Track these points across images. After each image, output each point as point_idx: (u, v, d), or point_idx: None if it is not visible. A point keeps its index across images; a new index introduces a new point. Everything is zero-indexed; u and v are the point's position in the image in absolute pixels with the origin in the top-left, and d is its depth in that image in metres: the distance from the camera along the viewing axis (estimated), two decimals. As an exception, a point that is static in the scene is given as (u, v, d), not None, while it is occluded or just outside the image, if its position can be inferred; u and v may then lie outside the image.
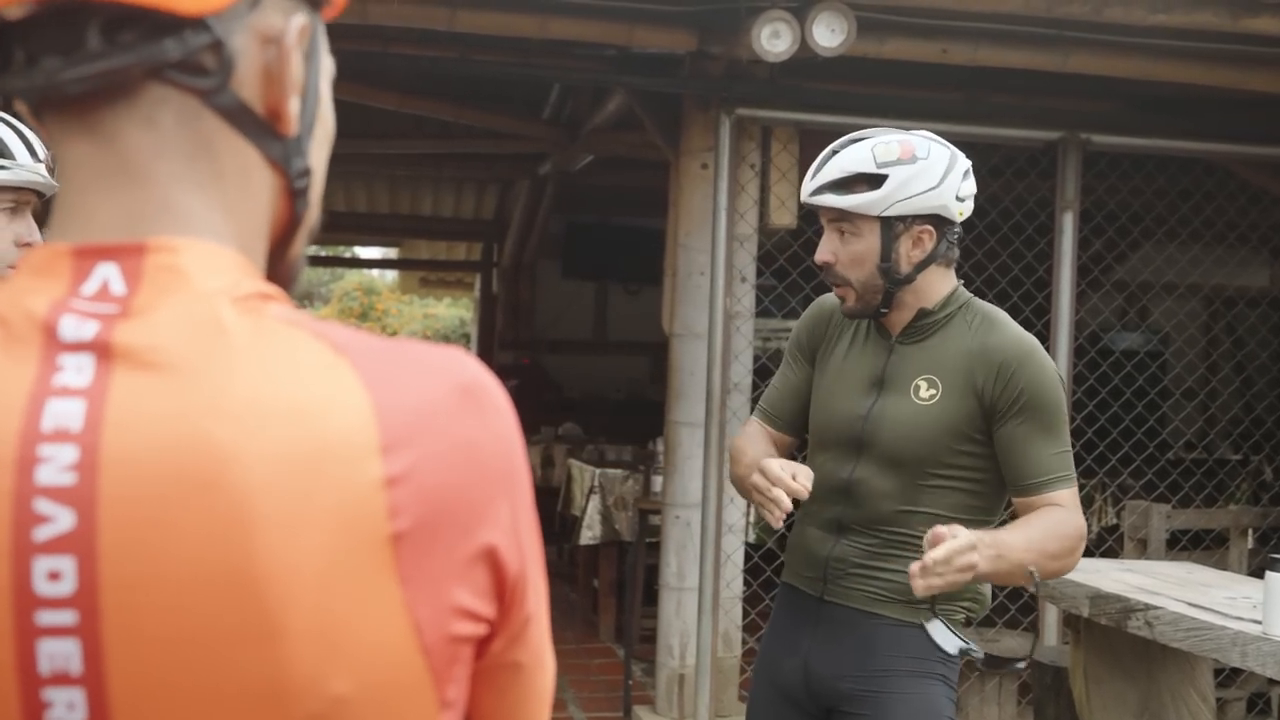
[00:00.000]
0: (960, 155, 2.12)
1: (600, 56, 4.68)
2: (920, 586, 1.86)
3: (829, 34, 3.70)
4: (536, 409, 8.96)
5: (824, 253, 2.13)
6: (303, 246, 0.76)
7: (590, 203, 8.93)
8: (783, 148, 4.36)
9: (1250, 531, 5.08)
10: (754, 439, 2.30)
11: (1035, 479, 2.04)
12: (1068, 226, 4.51)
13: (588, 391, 9.50)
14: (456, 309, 17.44)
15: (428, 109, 6.10)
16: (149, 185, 0.66)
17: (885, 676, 2.10)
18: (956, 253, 2.16)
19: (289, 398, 0.62)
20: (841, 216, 2.09)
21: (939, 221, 2.09)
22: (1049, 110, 4.67)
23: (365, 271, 18.39)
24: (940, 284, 2.13)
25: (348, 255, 16.33)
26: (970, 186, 2.12)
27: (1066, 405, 2.11)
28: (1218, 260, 5.60)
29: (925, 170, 2.05)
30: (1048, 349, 4.52)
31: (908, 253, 2.08)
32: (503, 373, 9.86)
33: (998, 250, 4.70)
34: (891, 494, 2.11)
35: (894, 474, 2.11)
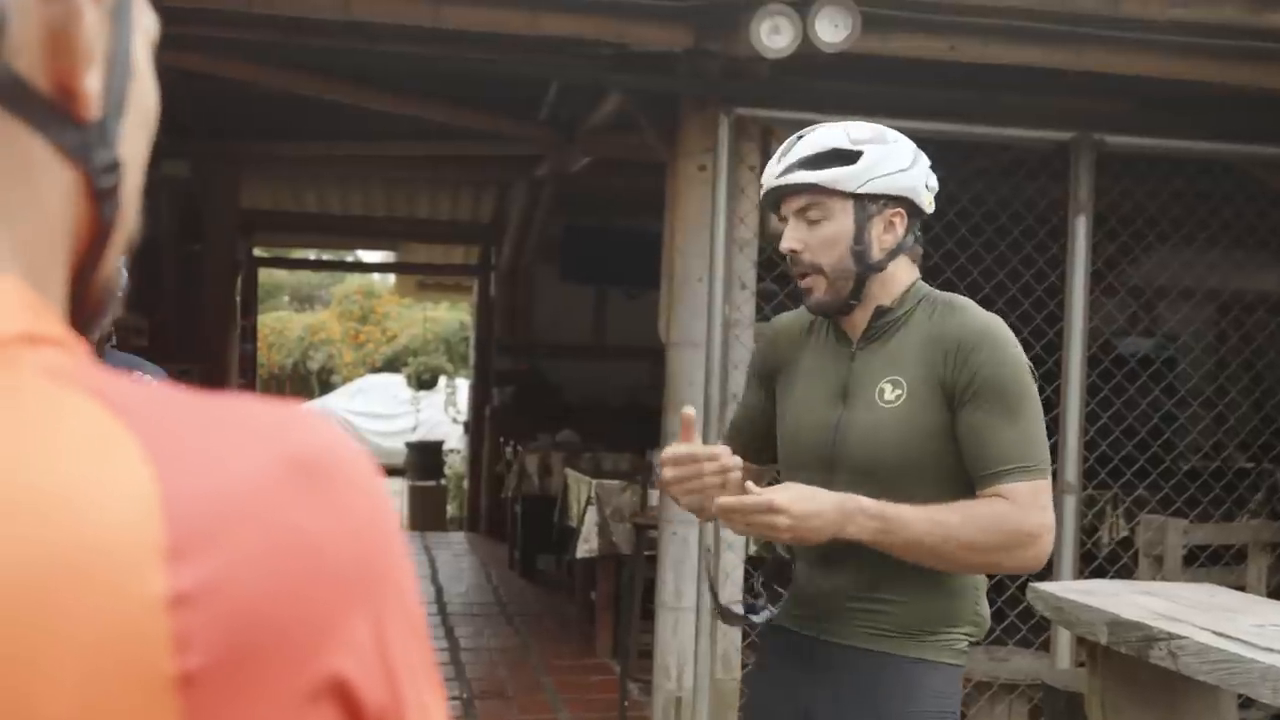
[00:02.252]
0: (924, 154, 2.08)
1: (595, 55, 4.52)
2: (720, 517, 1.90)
3: (832, 29, 3.53)
4: (535, 415, 8.83)
5: (790, 241, 2.03)
6: (114, 264, 0.58)
7: (589, 206, 8.78)
8: (784, 149, 4.19)
9: (1271, 547, 4.91)
10: None
11: (988, 469, 1.91)
12: (1080, 230, 4.34)
13: (586, 396, 9.35)
14: (456, 312, 17.31)
15: (422, 110, 5.96)
16: None
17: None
18: (920, 249, 2.08)
19: (35, 485, 0.44)
20: (811, 201, 1.99)
21: (910, 207, 2.02)
22: (1061, 110, 4.51)
23: (364, 274, 18.26)
24: (903, 277, 2.05)
25: (350, 259, 16.21)
26: (935, 181, 2.07)
27: (1033, 392, 1.96)
28: (1235, 265, 5.44)
29: (897, 151, 2.02)
30: (1060, 358, 4.40)
31: (879, 236, 2.00)
32: (500, 378, 9.72)
33: (1008, 255, 4.52)
34: None
35: (871, 487, 1.96)
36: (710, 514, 1.97)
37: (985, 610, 2.07)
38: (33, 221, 0.52)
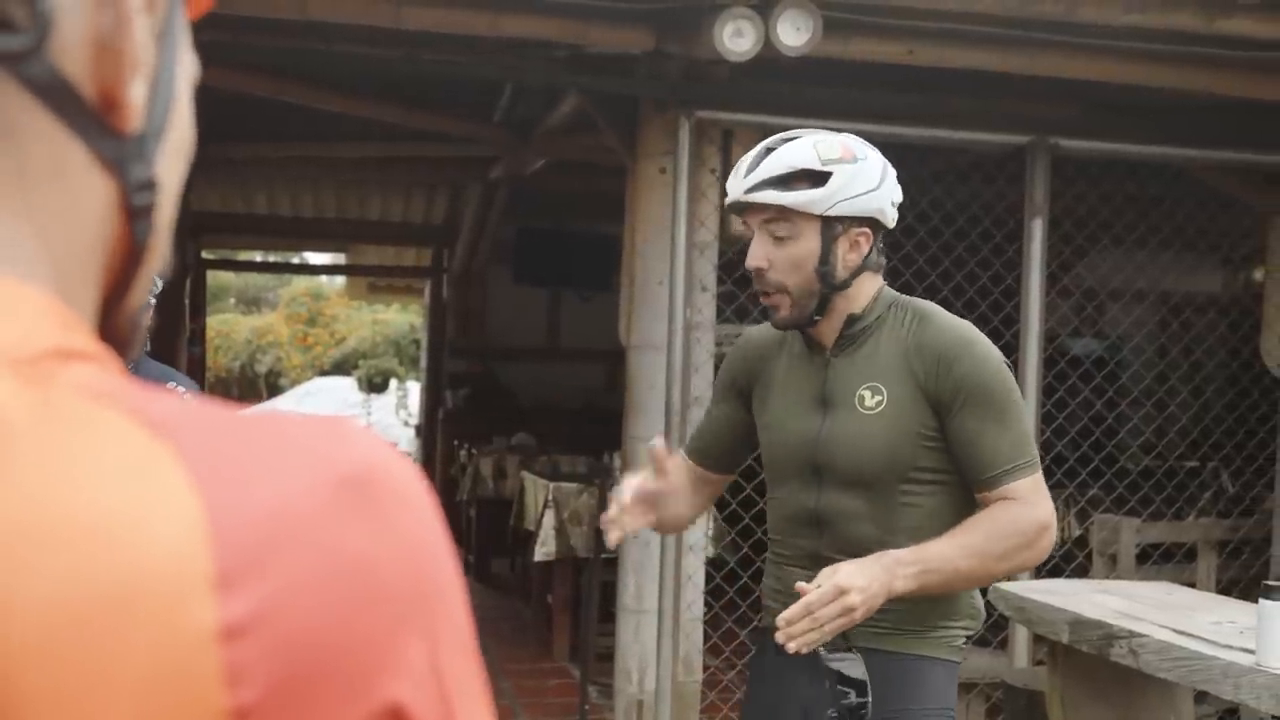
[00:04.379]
0: (890, 165, 2.06)
1: (554, 57, 4.50)
2: (791, 646, 1.82)
3: (794, 32, 3.54)
4: (489, 418, 8.79)
5: (756, 258, 2.02)
6: (142, 296, 0.56)
7: (542, 208, 8.76)
8: (744, 151, 4.17)
9: (1219, 545, 4.99)
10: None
11: (989, 472, 1.95)
12: (1036, 233, 4.38)
13: (541, 400, 9.32)
14: (406, 314, 17.19)
15: (375, 111, 5.91)
16: None
17: (895, 717, 1.99)
18: (884, 261, 2.09)
19: (77, 513, 0.42)
20: (778, 217, 1.99)
21: (875, 226, 2.02)
22: (1017, 114, 4.56)
23: (313, 276, 18.09)
24: (869, 287, 2.06)
25: (296, 260, 16.05)
26: (899, 194, 2.06)
27: (1016, 390, 2.01)
28: (1186, 267, 5.53)
29: (865, 170, 2.00)
30: (1016, 359, 4.45)
31: (844, 256, 2.01)
32: (453, 380, 9.66)
33: (965, 258, 4.57)
34: (863, 515, 2.00)
35: (861, 494, 2.00)
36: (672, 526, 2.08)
37: (980, 603, 2.10)
38: (66, 230, 0.51)
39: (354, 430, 0.49)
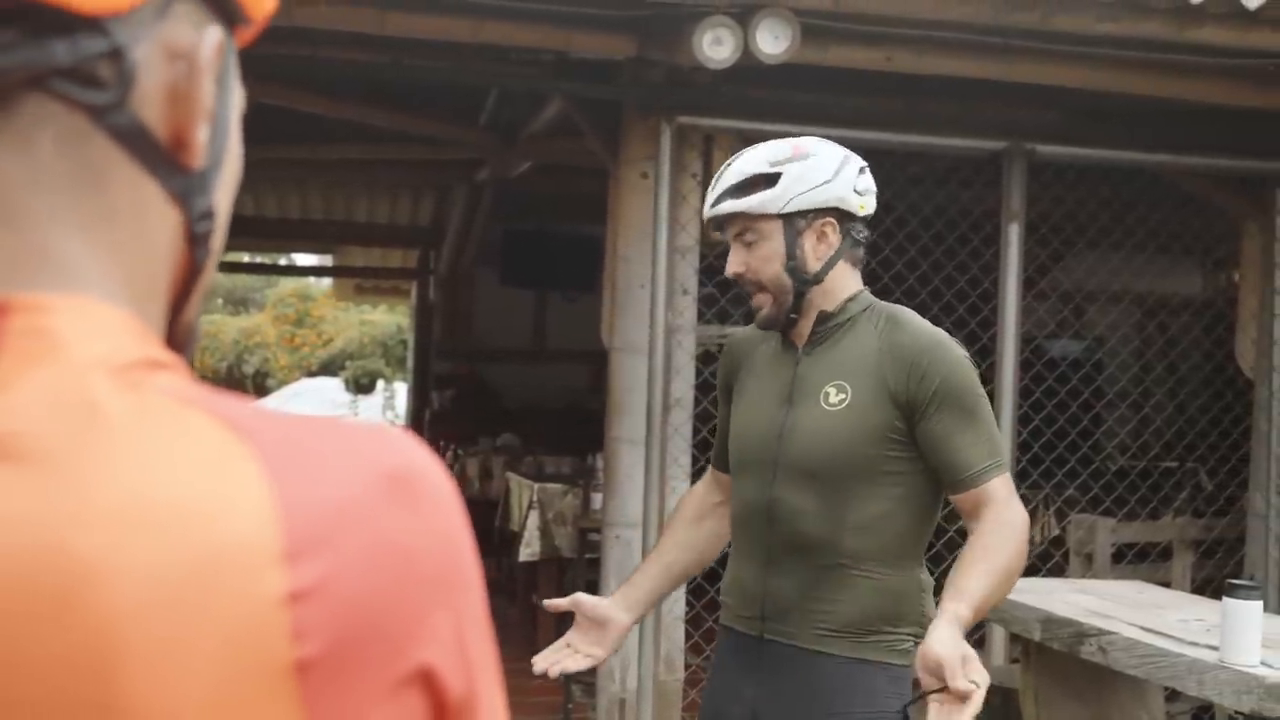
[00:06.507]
0: (854, 156, 2.14)
1: (538, 62, 4.55)
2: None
3: (772, 40, 3.59)
4: (475, 419, 8.83)
5: (733, 265, 2.13)
6: (198, 309, 0.64)
7: (528, 210, 8.79)
8: (725, 156, 4.24)
9: (1195, 545, 5.06)
10: (681, 513, 2.40)
11: (966, 472, 2.00)
12: (1013, 237, 4.45)
13: (526, 401, 9.36)
14: (394, 315, 17.21)
15: (361, 114, 5.94)
16: (19, 226, 0.54)
17: None
18: (863, 252, 2.16)
19: (171, 497, 0.51)
20: (744, 226, 2.09)
21: (840, 215, 2.09)
22: (994, 120, 4.62)
23: (300, 277, 18.09)
24: (846, 284, 2.12)
25: (283, 262, 16.06)
26: (867, 183, 2.13)
27: (983, 390, 2.08)
28: (1160, 270, 5.60)
29: (817, 165, 2.08)
30: (993, 361, 4.51)
31: (813, 248, 2.08)
32: (440, 382, 9.70)
33: (943, 261, 4.63)
34: (812, 511, 2.03)
35: (812, 488, 2.04)
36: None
37: (933, 610, 2.09)
38: (142, 258, 0.58)
39: (398, 436, 0.58)
